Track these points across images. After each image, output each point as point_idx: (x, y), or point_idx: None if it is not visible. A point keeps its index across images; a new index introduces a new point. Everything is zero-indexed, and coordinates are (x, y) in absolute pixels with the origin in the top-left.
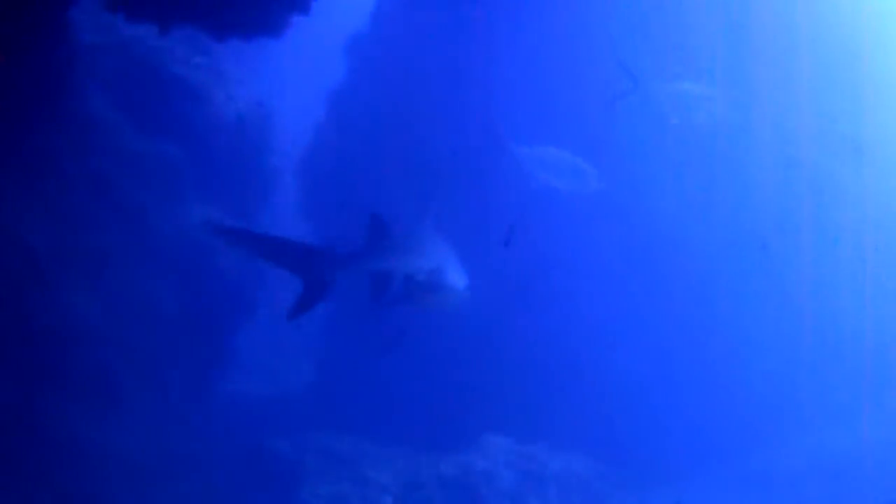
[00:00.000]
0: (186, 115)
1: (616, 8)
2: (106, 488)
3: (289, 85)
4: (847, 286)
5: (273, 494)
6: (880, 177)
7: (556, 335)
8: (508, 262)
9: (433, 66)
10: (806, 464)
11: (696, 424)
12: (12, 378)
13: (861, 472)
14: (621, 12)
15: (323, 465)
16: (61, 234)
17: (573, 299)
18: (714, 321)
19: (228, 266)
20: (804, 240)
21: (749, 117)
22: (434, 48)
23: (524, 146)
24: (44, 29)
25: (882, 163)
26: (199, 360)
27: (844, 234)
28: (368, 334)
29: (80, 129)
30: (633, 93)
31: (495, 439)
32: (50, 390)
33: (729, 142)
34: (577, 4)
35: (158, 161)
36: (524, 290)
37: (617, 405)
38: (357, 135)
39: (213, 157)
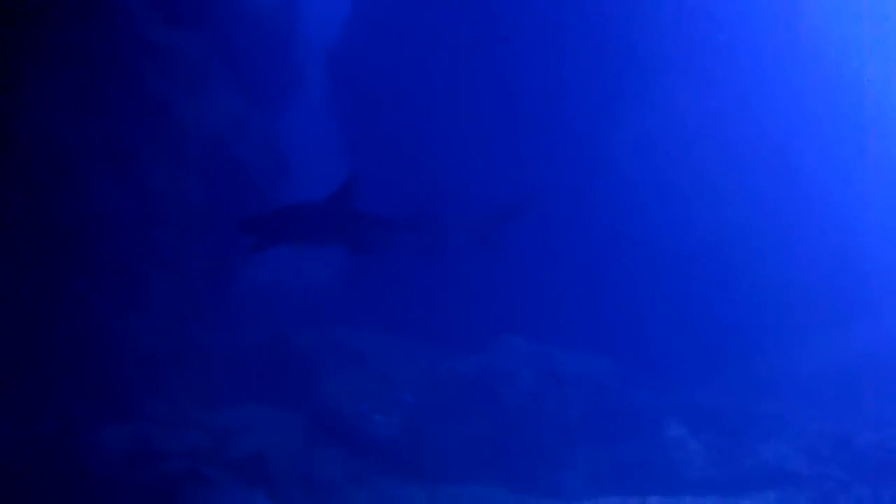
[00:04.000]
0: (212, 6)
1: None
2: (127, 376)
3: None
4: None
5: (291, 388)
6: None
7: (572, 233)
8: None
9: None
10: (822, 365)
11: (712, 325)
12: (39, 268)
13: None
14: None
15: (342, 360)
16: (87, 127)
17: (594, 197)
18: (733, 219)
19: (252, 158)
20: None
21: None
22: None
23: None
24: None
25: None
26: (222, 252)
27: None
28: None
29: (106, 21)
30: None
31: (514, 339)
32: (75, 280)
33: None
34: None
35: (184, 52)
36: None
37: (634, 304)
38: (385, 28)
39: (240, 48)
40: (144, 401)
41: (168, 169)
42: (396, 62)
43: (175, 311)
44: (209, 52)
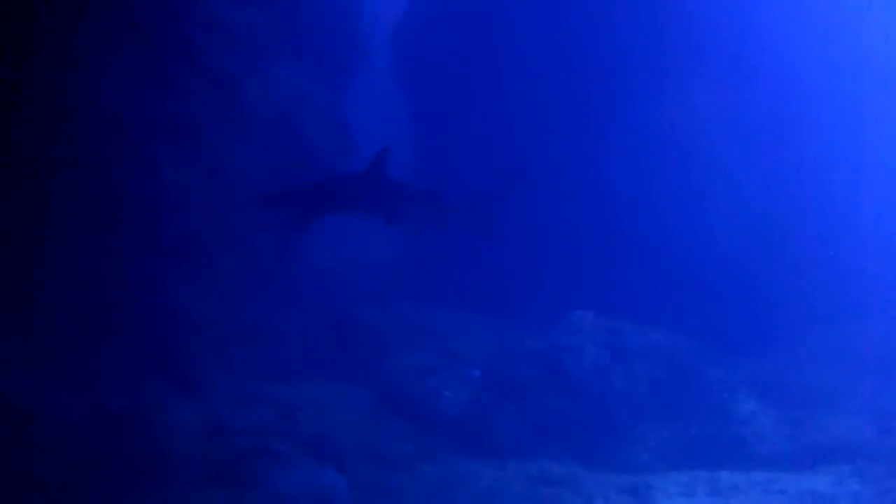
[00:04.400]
0: None
1: None
2: (196, 352)
3: None
4: None
5: (356, 364)
6: None
7: (639, 211)
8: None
9: None
10: (888, 335)
11: (783, 297)
12: (106, 246)
13: None
14: None
15: (408, 336)
16: (151, 104)
17: (668, 178)
18: (801, 192)
19: (317, 135)
20: None
21: None
22: None
23: None
24: None
25: None
26: (287, 229)
27: None
28: None
29: None
30: None
31: (581, 314)
32: (144, 258)
33: None
34: None
35: (249, 28)
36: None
37: (703, 277)
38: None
39: (305, 24)
40: (213, 378)
41: (234, 146)
42: (462, 37)
43: (242, 288)
44: (274, 28)
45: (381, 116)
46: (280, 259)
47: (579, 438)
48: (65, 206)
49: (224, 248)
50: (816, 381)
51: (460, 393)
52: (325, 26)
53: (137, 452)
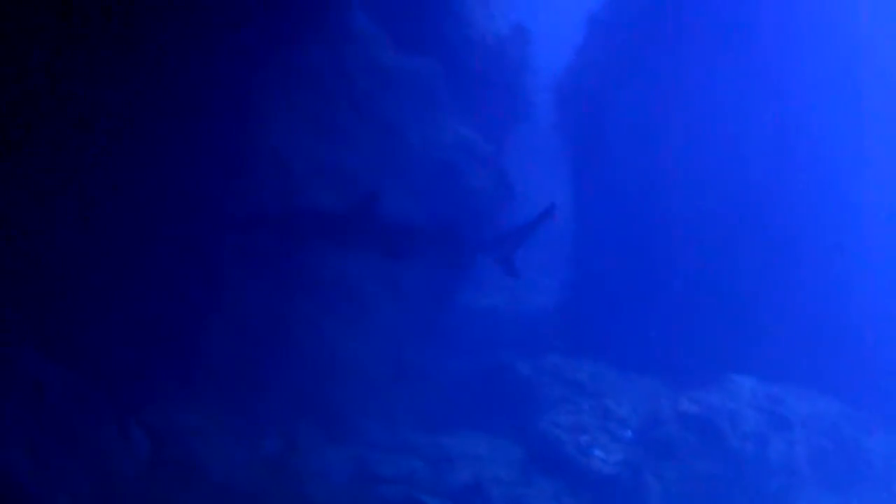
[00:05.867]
0: (446, 33)
1: None
2: (348, 397)
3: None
4: None
5: (511, 418)
6: None
7: (806, 278)
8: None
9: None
10: None
11: None
12: (269, 286)
13: None
14: None
15: (562, 390)
16: (316, 147)
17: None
18: None
19: (478, 183)
20: None
21: None
22: None
23: None
24: None
25: None
26: (444, 274)
27: None
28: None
29: (341, 44)
30: None
31: (740, 378)
32: (301, 300)
33: None
34: None
35: (416, 77)
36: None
37: (869, 345)
38: (617, 57)
39: (469, 74)
40: (364, 423)
41: (396, 191)
42: (629, 92)
43: (397, 333)
44: (439, 77)
45: (542, 166)
46: (437, 302)
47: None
48: (230, 248)
49: (381, 292)
50: None
51: (612, 453)
52: (489, 75)
53: (286, 496)
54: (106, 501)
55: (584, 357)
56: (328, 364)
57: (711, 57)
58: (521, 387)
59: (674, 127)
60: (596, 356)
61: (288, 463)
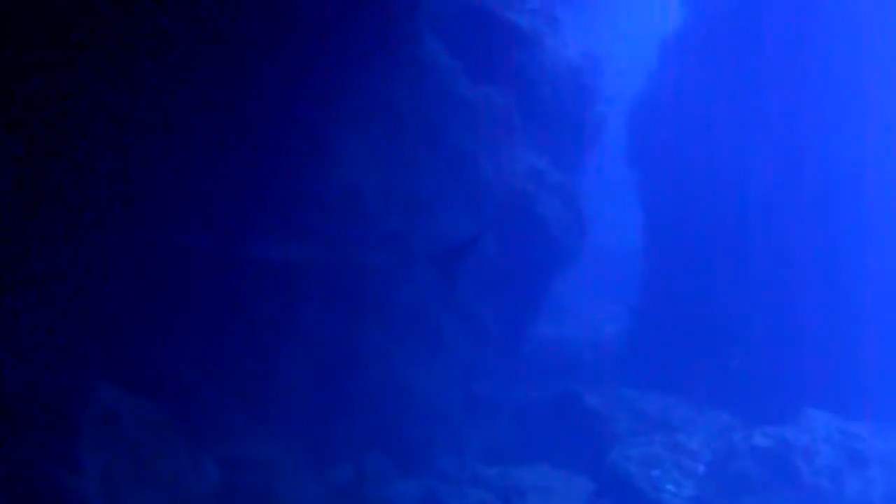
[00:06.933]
0: (518, 62)
1: None
2: (419, 427)
3: (621, 31)
4: None
5: (582, 450)
6: None
7: (879, 310)
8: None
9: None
10: None
11: None
12: (341, 318)
13: None
14: None
15: (634, 424)
16: (388, 177)
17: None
18: None
19: (549, 213)
20: None
21: None
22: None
23: None
24: None
25: None
26: (515, 306)
27: None
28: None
29: (415, 74)
30: None
31: (815, 414)
32: (372, 330)
33: None
34: None
35: (489, 107)
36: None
37: None
38: (691, 83)
39: (542, 103)
40: (434, 455)
41: (469, 222)
42: (703, 120)
43: (468, 364)
44: (511, 108)
45: (612, 195)
46: (508, 333)
47: None
48: (301, 279)
49: (452, 322)
50: None
51: (684, 488)
52: (561, 104)
53: None
54: None
55: (655, 389)
56: (399, 395)
57: (787, 76)
58: (592, 419)
59: (752, 152)
60: (667, 388)
61: (358, 494)
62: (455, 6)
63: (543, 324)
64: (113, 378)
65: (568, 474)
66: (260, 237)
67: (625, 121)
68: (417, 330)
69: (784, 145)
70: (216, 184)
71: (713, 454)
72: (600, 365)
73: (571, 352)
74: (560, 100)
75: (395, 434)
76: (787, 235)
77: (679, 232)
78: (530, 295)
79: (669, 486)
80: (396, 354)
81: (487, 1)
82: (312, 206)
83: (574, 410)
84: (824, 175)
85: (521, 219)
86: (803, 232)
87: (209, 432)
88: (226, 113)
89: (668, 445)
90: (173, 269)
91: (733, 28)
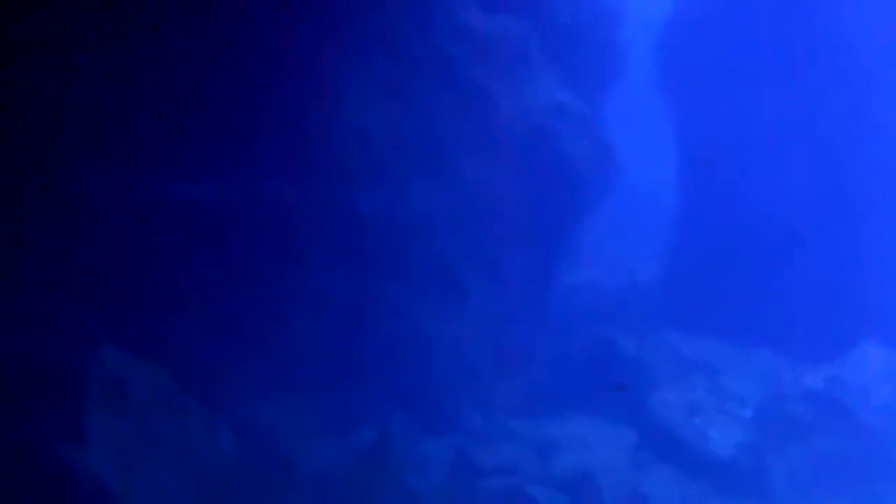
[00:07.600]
0: None
1: None
2: (444, 384)
3: None
4: None
5: (618, 399)
6: None
7: None
8: None
9: None
10: None
11: None
12: (354, 271)
13: None
14: None
15: (673, 369)
16: (402, 120)
17: None
18: None
19: (575, 149)
20: None
21: None
22: None
23: None
24: None
25: None
26: (541, 251)
27: None
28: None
29: (423, 7)
30: None
31: (871, 349)
32: (391, 283)
33: None
34: None
35: (503, 38)
36: None
37: None
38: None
39: (560, 32)
40: (462, 411)
41: (486, 163)
42: (734, 43)
43: (493, 314)
44: (529, 37)
45: (643, 129)
46: (534, 279)
47: (866, 488)
48: (309, 228)
49: (474, 272)
50: None
51: (730, 434)
52: (581, 33)
53: (383, 487)
54: (191, 500)
55: (695, 331)
56: (422, 350)
57: None
58: (631, 366)
59: (797, 68)
60: (707, 329)
61: (383, 455)
62: None
63: (571, 268)
64: (117, 343)
65: (605, 425)
66: (261, 180)
67: (653, 45)
68: (440, 283)
69: (833, 57)
70: (216, 125)
71: (760, 397)
72: (634, 308)
73: (603, 296)
74: (581, 26)
75: (420, 392)
76: (840, 156)
77: (716, 162)
78: (556, 238)
79: (714, 434)
80: (418, 309)
81: None
82: (316, 145)
83: (609, 357)
84: (876, 87)
85: (543, 156)
86: (858, 151)
87: (223, 399)
88: (221, 47)
89: (712, 390)
90: (175, 224)
91: None
